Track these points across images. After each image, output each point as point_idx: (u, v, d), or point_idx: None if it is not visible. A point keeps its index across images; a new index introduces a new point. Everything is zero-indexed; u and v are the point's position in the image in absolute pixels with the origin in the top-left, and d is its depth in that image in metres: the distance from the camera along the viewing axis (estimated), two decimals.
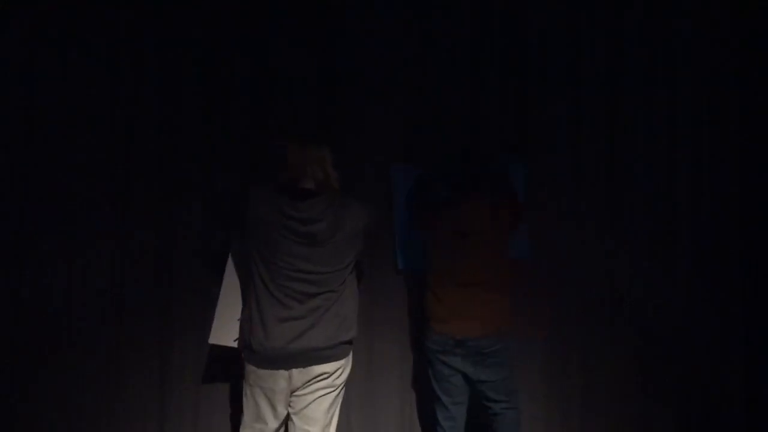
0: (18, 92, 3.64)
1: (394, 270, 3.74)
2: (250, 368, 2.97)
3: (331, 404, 3.01)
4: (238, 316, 3.13)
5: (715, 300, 3.87)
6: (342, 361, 2.98)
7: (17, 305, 3.61)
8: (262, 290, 2.91)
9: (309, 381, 2.93)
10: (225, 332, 3.25)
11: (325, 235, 2.88)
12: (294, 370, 2.91)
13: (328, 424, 3.03)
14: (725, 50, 3.93)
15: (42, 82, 3.65)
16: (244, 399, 3.06)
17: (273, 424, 3.03)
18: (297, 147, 2.96)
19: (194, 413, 3.71)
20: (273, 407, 2.99)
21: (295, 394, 2.97)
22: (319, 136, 3.06)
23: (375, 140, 3.76)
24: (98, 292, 3.65)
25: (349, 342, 3.02)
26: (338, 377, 2.98)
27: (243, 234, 2.99)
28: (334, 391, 2.99)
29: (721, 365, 3.87)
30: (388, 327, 3.76)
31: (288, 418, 3.08)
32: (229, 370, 3.65)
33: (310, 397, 2.96)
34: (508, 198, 3.43)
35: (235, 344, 3.14)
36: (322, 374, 2.93)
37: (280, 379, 2.93)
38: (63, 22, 3.66)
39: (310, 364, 2.89)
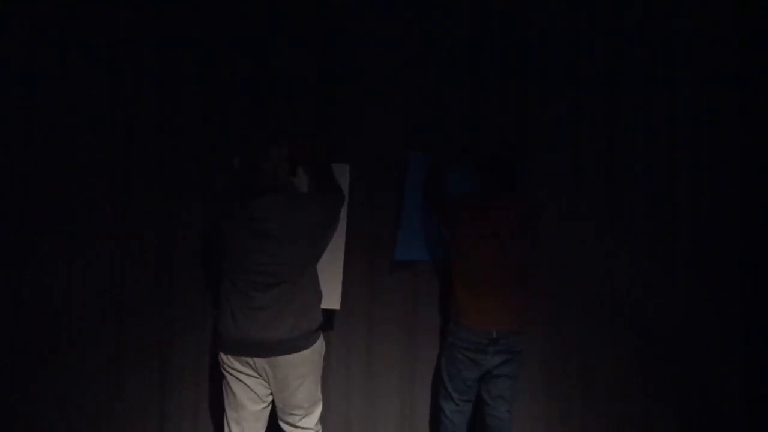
0: (18, 92, 3.64)
1: (390, 263, 3.72)
2: (222, 356, 3.12)
3: (309, 390, 3.12)
4: None
5: (715, 300, 3.87)
6: (306, 352, 3.05)
7: (17, 305, 3.61)
8: (229, 282, 3.08)
9: (277, 371, 3.03)
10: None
11: (276, 231, 2.99)
12: (260, 359, 3.02)
13: (312, 404, 3.16)
14: (725, 50, 3.93)
15: (42, 82, 3.65)
16: (223, 389, 3.19)
17: (251, 407, 3.14)
18: (253, 148, 3.13)
19: (194, 413, 3.71)
20: (248, 393, 3.11)
21: (272, 384, 3.08)
22: (278, 137, 3.16)
23: (375, 140, 3.76)
24: (98, 292, 3.65)
25: (315, 331, 3.11)
26: (305, 366, 3.07)
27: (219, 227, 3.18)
28: (307, 378, 3.09)
29: (721, 365, 3.87)
30: (388, 327, 3.76)
31: (273, 406, 3.20)
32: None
33: (286, 390, 3.08)
34: (531, 203, 3.57)
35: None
36: (286, 365, 3.02)
37: (248, 366, 3.06)
38: (63, 22, 3.66)
39: (275, 354, 3.00)
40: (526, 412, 3.77)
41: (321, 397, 3.25)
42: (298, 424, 3.17)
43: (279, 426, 3.25)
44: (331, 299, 3.39)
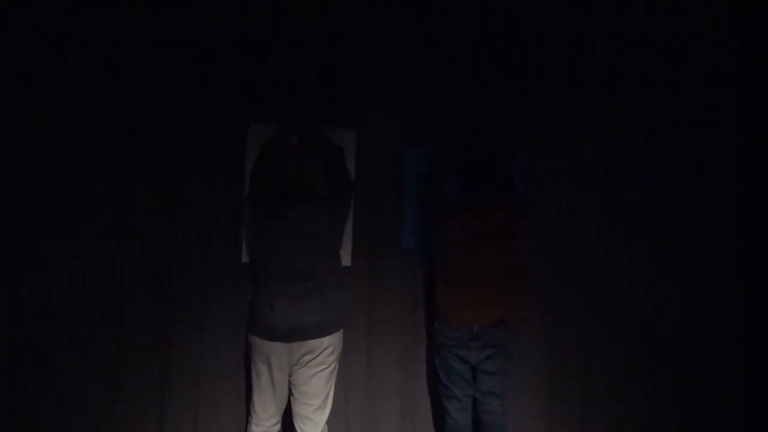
0: (18, 92, 3.64)
1: (398, 250, 3.76)
2: (255, 341, 3.33)
3: (328, 379, 3.35)
4: None
5: (715, 300, 3.87)
6: (332, 337, 3.32)
7: (17, 305, 3.61)
8: (265, 276, 3.33)
9: (304, 356, 3.28)
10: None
11: (313, 233, 3.29)
12: (292, 344, 3.27)
13: (326, 398, 3.37)
14: (725, 50, 3.93)
15: (42, 82, 3.65)
16: (253, 375, 3.38)
17: (274, 392, 3.34)
18: (287, 157, 3.39)
19: (194, 413, 3.71)
20: (277, 378, 3.32)
21: (295, 370, 3.32)
22: (308, 147, 3.43)
23: (375, 140, 3.76)
24: (98, 292, 3.65)
25: (338, 320, 3.35)
26: (331, 354, 3.32)
27: (252, 225, 3.45)
28: (328, 367, 3.34)
29: (721, 365, 3.87)
30: (388, 327, 3.76)
31: (289, 398, 3.40)
32: (228, 370, 3.66)
33: (308, 373, 3.31)
34: (520, 204, 3.59)
35: None
36: (315, 349, 3.28)
37: (280, 350, 3.28)
38: (63, 22, 3.66)
39: (305, 339, 3.27)
40: (527, 412, 3.77)
41: (332, 398, 3.40)
42: (311, 416, 3.34)
43: (292, 425, 3.41)
44: (343, 257, 3.58)
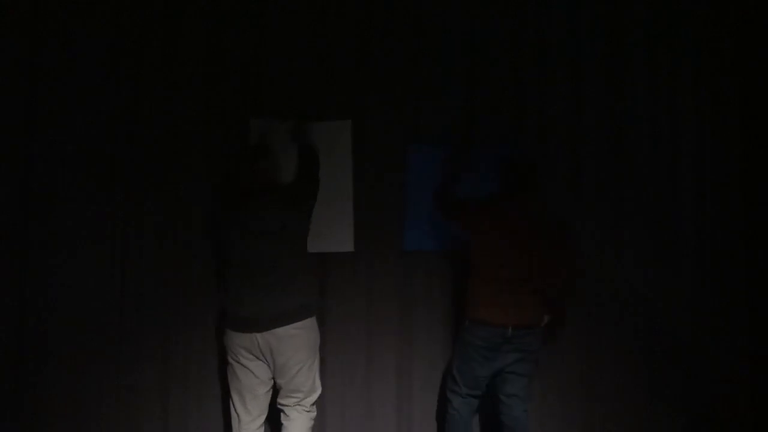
0: (18, 92, 3.64)
1: (399, 252, 3.75)
2: (228, 344, 3.35)
3: (309, 371, 3.36)
4: None
5: (720, 299, 3.86)
6: (301, 331, 3.29)
7: (17, 305, 3.61)
8: (232, 269, 3.34)
9: (278, 352, 3.27)
10: None
11: (276, 228, 3.31)
12: (263, 340, 3.26)
13: (312, 385, 3.40)
14: (725, 50, 3.92)
15: (42, 82, 3.65)
16: (228, 376, 3.39)
17: (255, 391, 3.36)
18: (252, 150, 3.52)
19: (196, 413, 3.72)
20: (251, 378, 3.33)
21: (273, 371, 3.33)
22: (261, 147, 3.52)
23: (375, 139, 3.76)
24: (98, 292, 3.65)
25: (304, 309, 3.32)
26: (301, 350, 3.30)
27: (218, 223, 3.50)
28: (306, 361, 3.34)
29: (724, 365, 3.86)
30: (389, 326, 3.76)
31: (273, 394, 3.43)
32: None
33: (289, 374, 3.31)
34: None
35: None
36: (286, 341, 3.26)
37: (251, 352, 3.29)
38: (63, 22, 3.67)
39: (271, 327, 3.25)
40: (529, 412, 3.75)
41: (320, 386, 3.43)
42: (301, 403, 3.38)
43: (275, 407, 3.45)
44: (345, 243, 3.70)
